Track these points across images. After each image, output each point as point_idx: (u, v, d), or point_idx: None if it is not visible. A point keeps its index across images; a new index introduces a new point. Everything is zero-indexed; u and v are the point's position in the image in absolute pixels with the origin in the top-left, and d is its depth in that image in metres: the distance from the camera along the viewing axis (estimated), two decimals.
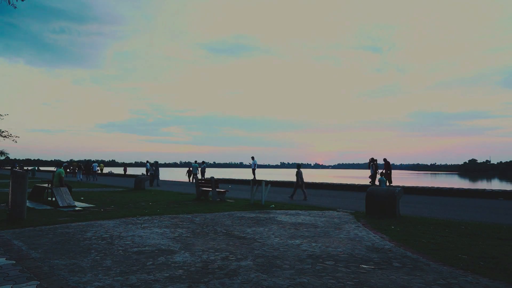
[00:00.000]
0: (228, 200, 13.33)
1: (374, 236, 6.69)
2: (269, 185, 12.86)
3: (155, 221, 8.22)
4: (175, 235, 6.61)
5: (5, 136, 34.22)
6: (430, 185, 20.66)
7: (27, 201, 9.58)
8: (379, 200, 9.38)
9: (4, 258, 4.78)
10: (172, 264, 4.61)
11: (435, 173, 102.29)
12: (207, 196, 13.63)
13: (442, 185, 23.17)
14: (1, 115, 34.04)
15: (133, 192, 16.97)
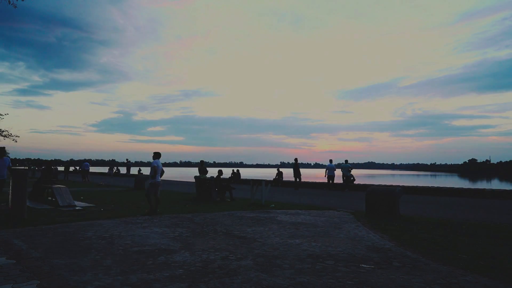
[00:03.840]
0: (228, 200, 13.34)
1: (374, 236, 6.70)
2: (269, 184, 12.86)
3: (155, 220, 8.22)
4: (175, 234, 6.62)
5: (5, 136, 34.27)
6: (429, 185, 20.65)
7: (27, 201, 9.59)
8: (379, 199, 9.38)
9: (5, 258, 4.79)
10: (172, 264, 4.62)
11: (435, 174, 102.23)
12: (207, 195, 13.63)
13: (442, 185, 23.19)
14: (1, 115, 34.13)
15: (133, 192, 16.98)
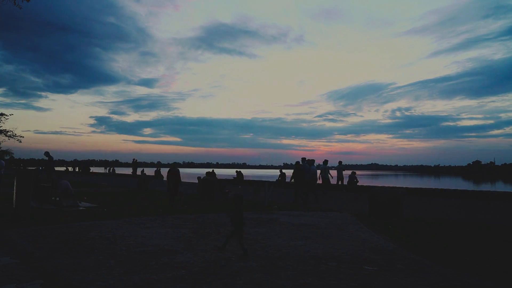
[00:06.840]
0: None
1: (377, 238, 6.67)
2: (272, 186, 12.86)
3: (158, 221, 8.23)
4: (178, 235, 6.62)
5: (10, 136, 34.64)
6: (433, 187, 20.55)
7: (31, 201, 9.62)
8: (382, 201, 9.35)
9: (9, 257, 4.81)
10: (175, 264, 4.62)
11: (438, 176, 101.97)
12: (210, 196, 13.64)
13: (446, 187, 23.09)
14: (6, 116, 34.50)
15: (136, 192, 17.02)
